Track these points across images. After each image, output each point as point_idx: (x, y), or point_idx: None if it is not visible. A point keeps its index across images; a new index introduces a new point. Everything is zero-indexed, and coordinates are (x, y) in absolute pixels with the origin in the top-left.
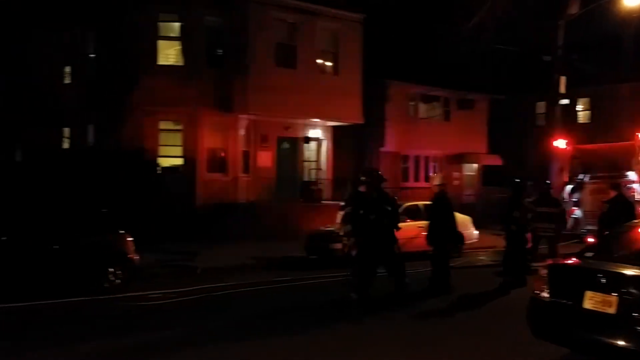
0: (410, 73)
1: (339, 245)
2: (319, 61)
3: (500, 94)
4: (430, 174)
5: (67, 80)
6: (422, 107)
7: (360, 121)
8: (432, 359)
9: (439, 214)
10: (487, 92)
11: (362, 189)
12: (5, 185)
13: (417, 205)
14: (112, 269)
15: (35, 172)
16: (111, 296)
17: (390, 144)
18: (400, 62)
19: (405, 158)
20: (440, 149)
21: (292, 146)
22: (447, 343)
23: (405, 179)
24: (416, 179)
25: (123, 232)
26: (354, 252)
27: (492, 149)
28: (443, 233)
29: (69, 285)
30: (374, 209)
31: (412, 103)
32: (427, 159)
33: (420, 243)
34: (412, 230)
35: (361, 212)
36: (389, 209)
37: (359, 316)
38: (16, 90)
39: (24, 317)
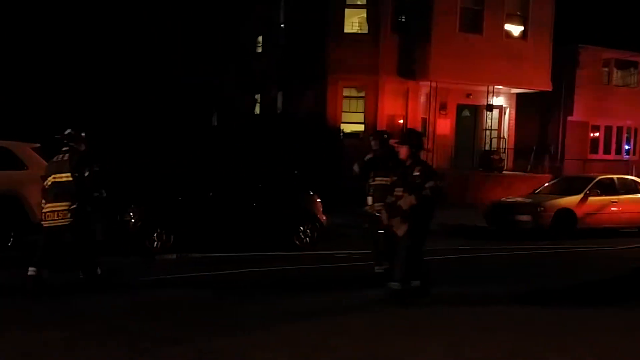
0: (605, 37)
1: (525, 217)
2: (507, 26)
3: None
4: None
5: (259, 49)
6: (617, 74)
7: (548, 88)
8: None
9: None
10: None
11: None
12: (204, 147)
13: (611, 178)
14: (302, 227)
15: (229, 135)
16: (301, 253)
17: (578, 113)
18: (593, 25)
19: (595, 128)
20: (637, 119)
21: (473, 114)
22: None
23: (595, 150)
24: (606, 151)
25: (312, 193)
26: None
27: None
28: None
29: (263, 240)
30: None
31: (606, 69)
32: (620, 129)
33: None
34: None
35: None
36: None
37: None
38: (213, 58)
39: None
